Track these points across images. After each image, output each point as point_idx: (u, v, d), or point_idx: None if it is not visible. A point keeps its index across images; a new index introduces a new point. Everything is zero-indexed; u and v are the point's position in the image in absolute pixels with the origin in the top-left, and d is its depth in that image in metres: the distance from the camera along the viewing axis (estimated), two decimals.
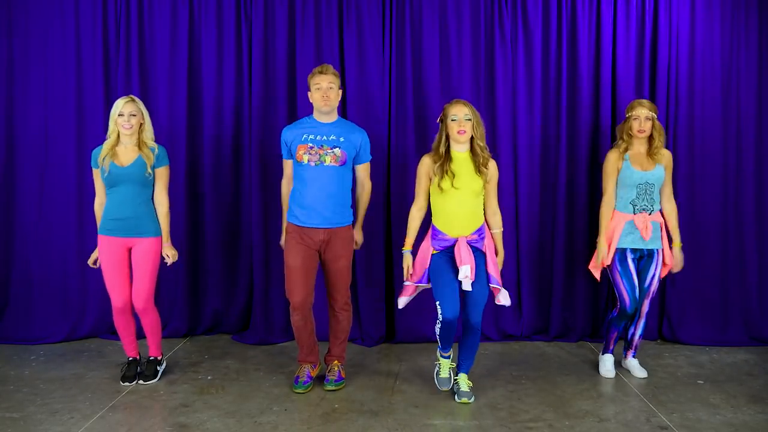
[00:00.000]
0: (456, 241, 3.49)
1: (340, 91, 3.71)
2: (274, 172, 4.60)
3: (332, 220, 3.61)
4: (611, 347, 4.02)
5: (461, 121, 3.48)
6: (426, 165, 3.56)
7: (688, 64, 4.60)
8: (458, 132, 3.47)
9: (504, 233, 4.63)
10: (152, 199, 3.79)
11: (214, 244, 4.66)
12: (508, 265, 4.67)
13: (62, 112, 4.56)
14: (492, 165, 3.60)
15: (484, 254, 3.54)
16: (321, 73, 3.58)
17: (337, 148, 3.59)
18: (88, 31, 4.55)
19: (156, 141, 4.67)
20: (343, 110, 4.57)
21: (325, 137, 3.61)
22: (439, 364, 3.64)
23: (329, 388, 3.67)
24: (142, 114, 3.73)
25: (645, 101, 3.88)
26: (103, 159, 3.66)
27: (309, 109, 4.70)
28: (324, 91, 3.57)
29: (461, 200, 3.48)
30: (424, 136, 4.47)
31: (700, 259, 4.63)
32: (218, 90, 4.62)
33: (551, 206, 4.68)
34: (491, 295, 3.57)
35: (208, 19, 4.58)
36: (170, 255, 3.79)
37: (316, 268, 3.70)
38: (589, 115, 4.62)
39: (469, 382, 3.60)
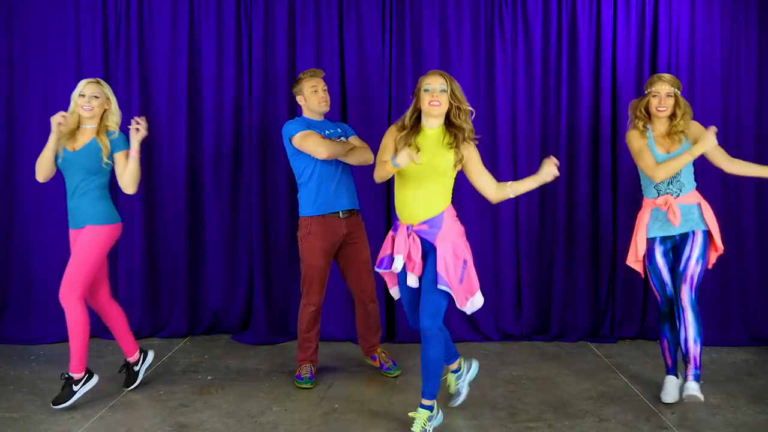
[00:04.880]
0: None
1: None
2: (274, 171, 4.61)
3: (352, 202, 3.77)
4: (669, 364, 3.52)
5: (435, 92, 2.98)
6: (392, 133, 3.11)
7: (688, 63, 4.60)
8: (430, 103, 2.97)
9: (504, 233, 4.67)
10: (105, 188, 3.47)
11: (214, 244, 4.66)
12: (508, 265, 4.69)
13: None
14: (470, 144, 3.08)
15: (435, 249, 3.01)
16: (313, 76, 3.75)
17: (342, 137, 3.78)
18: (88, 31, 4.55)
19: (156, 141, 4.69)
20: (343, 110, 4.58)
21: (329, 131, 3.76)
22: (416, 416, 3.04)
23: (395, 374, 3.87)
24: (108, 98, 3.44)
25: (666, 75, 3.45)
26: (59, 142, 3.40)
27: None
28: (320, 92, 3.74)
29: (420, 180, 3.01)
30: None
31: None
32: (218, 90, 4.62)
33: (551, 206, 4.68)
34: (454, 300, 3.02)
35: (208, 19, 4.58)
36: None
37: (329, 271, 3.82)
38: (588, 115, 4.62)
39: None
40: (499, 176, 4.62)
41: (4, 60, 4.56)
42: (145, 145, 4.56)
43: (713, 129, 3.26)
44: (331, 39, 4.57)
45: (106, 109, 3.45)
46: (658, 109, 3.39)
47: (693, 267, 3.33)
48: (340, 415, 3.34)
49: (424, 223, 3.02)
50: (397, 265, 3.01)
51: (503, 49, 4.61)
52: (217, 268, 4.68)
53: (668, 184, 3.42)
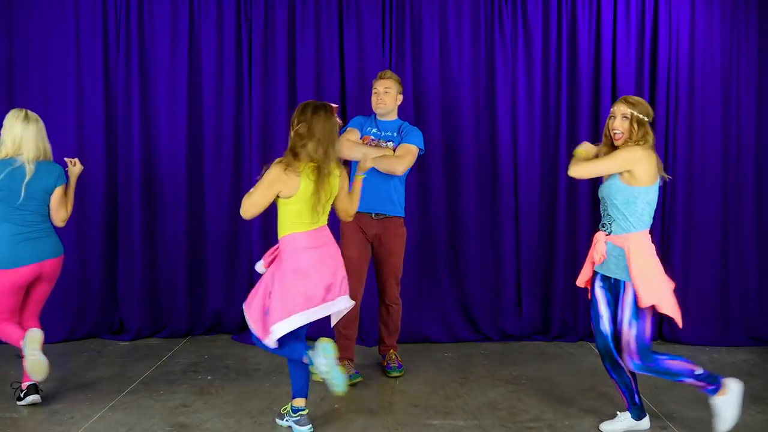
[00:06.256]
0: None
1: (401, 96, 3.90)
2: None
3: (383, 207, 3.80)
4: (625, 401, 3.14)
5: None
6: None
7: (688, 64, 4.60)
8: None
9: (504, 233, 4.67)
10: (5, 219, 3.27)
11: (214, 244, 4.66)
12: (508, 265, 4.68)
13: (62, 112, 4.55)
14: None
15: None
16: (380, 78, 3.84)
17: (390, 142, 3.81)
18: (88, 31, 4.55)
19: (156, 142, 4.69)
20: (343, 109, 4.58)
21: (383, 133, 3.84)
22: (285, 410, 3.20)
23: (395, 374, 3.90)
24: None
25: (631, 97, 3.00)
26: None
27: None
28: (379, 95, 3.82)
29: None
30: (424, 135, 4.47)
31: (700, 259, 4.63)
32: (218, 90, 4.62)
33: (551, 206, 4.69)
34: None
35: (208, 19, 4.58)
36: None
37: (368, 263, 3.88)
38: (588, 115, 4.62)
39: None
40: (500, 176, 4.65)
41: (4, 60, 4.56)
42: (145, 146, 4.60)
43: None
44: (331, 39, 4.57)
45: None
46: (612, 132, 2.97)
47: (626, 332, 2.95)
48: (340, 415, 3.34)
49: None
50: (257, 267, 3.16)
51: (503, 49, 4.61)
52: (217, 268, 4.68)
53: (603, 216, 3.05)
